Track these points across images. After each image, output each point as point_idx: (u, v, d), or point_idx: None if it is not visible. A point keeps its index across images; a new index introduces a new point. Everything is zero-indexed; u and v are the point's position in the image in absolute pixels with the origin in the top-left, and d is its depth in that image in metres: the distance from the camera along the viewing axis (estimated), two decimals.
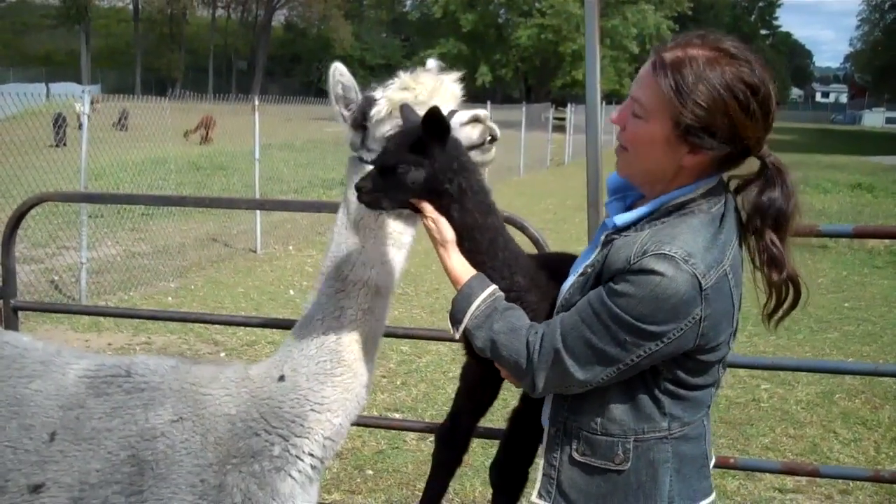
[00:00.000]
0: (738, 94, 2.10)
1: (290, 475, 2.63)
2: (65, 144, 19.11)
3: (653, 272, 2.06)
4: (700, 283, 2.07)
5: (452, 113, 2.58)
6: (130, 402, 2.70)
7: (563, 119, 37.39)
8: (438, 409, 7.05)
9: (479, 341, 2.26)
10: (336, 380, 2.63)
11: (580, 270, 2.30)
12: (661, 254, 2.07)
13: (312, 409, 2.63)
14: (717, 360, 2.25)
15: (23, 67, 68.05)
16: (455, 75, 2.66)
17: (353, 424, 2.71)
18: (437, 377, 8.02)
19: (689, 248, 2.09)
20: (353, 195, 2.60)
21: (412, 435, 6.53)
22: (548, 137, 34.30)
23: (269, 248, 14.78)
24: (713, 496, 2.37)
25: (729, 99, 2.09)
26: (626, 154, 2.26)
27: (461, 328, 2.29)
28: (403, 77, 2.59)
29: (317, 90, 73.95)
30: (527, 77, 63.63)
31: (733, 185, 2.30)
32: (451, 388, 7.67)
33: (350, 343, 2.63)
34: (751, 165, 2.25)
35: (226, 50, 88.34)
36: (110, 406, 2.70)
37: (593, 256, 2.28)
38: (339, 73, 2.57)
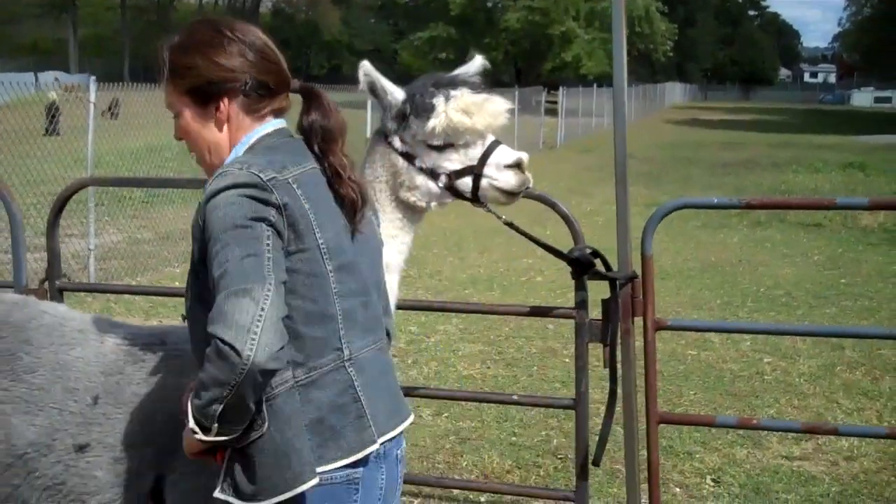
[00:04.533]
0: (201, 35, 2.33)
1: None
2: (58, 133, 19.07)
3: (219, 191, 2.15)
4: (260, 176, 2.16)
5: (497, 144, 2.79)
6: (165, 369, 2.88)
7: (556, 103, 37.47)
8: (450, 384, 7.23)
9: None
10: None
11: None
12: (216, 175, 2.21)
13: None
14: (315, 276, 2.22)
15: (10, 57, 67.67)
16: (506, 104, 2.83)
17: None
18: (447, 355, 8.18)
19: (238, 162, 2.23)
20: (370, 174, 2.81)
21: (427, 410, 6.69)
22: (540, 121, 34.41)
23: None
24: (375, 446, 2.30)
25: (198, 42, 2.32)
26: (193, 152, 2.45)
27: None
28: (467, 97, 2.75)
29: (306, 76, 73.91)
30: (517, 61, 63.61)
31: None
32: (461, 366, 7.89)
33: None
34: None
35: None
36: (147, 372, 2.88)
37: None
38: (364, 72, 2.75)
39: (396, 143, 2.77)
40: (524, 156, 2.81)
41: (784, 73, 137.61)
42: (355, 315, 2.29)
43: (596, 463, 3.47)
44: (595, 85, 43.18)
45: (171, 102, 2.39)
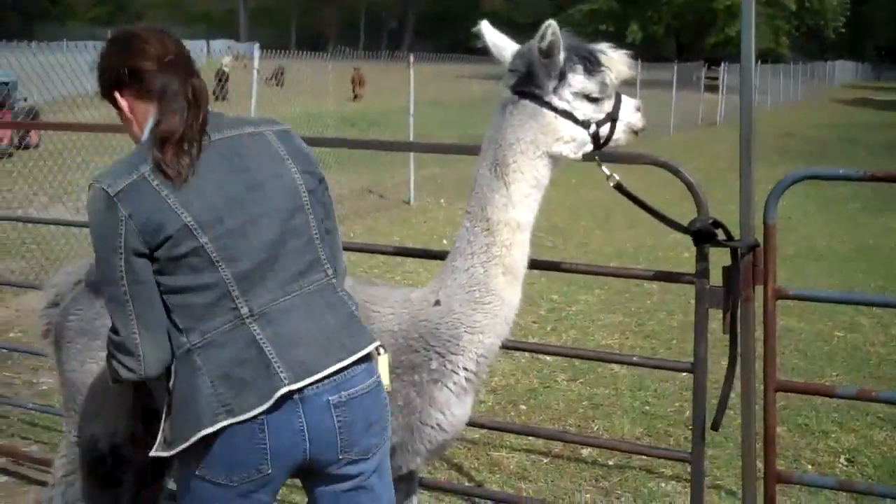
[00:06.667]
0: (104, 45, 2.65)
1: (446, 386, 3.00)
2: (225, 98, 19.73)
3: (87, 202, 2.44)
4: (108, 192, 2.37)
5: (620, 93, 3.04)
6: None
7: (716, 79, 36.57)
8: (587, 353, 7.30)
9: None
10: (486, 307, 2.97)
11: None
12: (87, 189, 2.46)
13: (466, 331, 2.98)
14: (189, 255, 2.39)
15: (184, 25, 70.54)
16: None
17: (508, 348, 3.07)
18: (587, 324, 8.29)
19: (104, 170, 2.46)
20: (511, 137, 2.96)
21: (563, 375, 6.84)
22: (699, 97, 33.72)
23: (422, 200, 15.25)
24: (284, 390, 2.39)
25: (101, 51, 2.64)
26: None
27: None
28: (617, 52, 3.02)
29: (465, 48, 74.09)
30: (679, 35, 62.15)
31: None
32: (600, 335, 7.97)
33: (496, 275, 2.96)
34: None
35: (377, 8, 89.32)
36: None
37: None
38: (552, 31, 2.87)
39: (556, 101, 2.96)
40: (641, 103, 3.14)
41: None
42: (256, 272, 2.44)
43: (715, 427, 3.53)
44: (759, 61, 41.86)
45: (118, 116, 2.70)
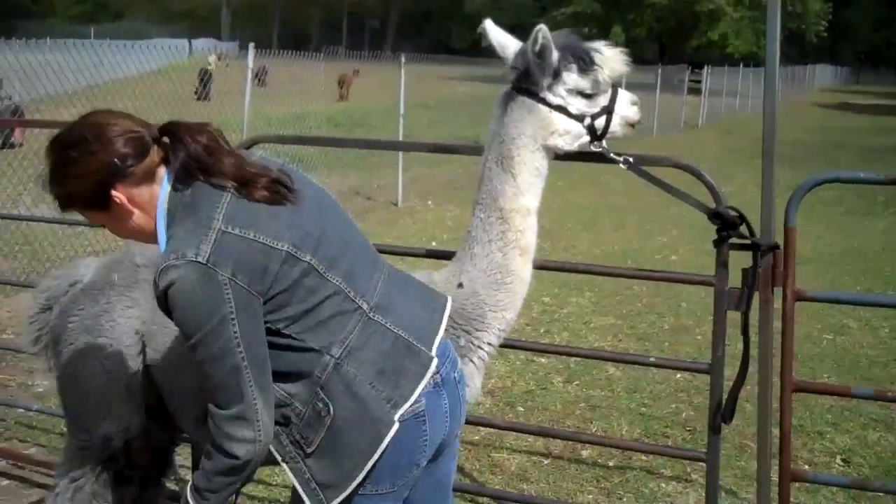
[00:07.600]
0: (55, 162, 2.42)
1: (471, 361, 3.17)
2: (208, 98, 19.51)
3: (167, 287, 2.26)
4: (199, 262, 2.23)
5: (617, 87, 3.21)
6: None
7: (699, 82, 36.74)
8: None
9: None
10: (507, 286, 3.16)
11: None
12: (160, 271, 2.27)
13: (490, 310, 3.15)
14: (301, 278, 2.34)
15: (165, 23, 70.26)
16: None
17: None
18: (579, 327, 8.32)
19: (174, 247, 2.28)
20: (513, 132, 3.12)
21: (559, 377, 6.87)
22: (682, 100, 33.86)
23: (410, 201, 15.25)
24: (435, 361, 2.49)
25: (56, 170, 2.43)
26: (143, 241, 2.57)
27: None
28: (612, 51, 3.17)
29: (447, 48, 74.32)
30: (661, 38, 62.40)
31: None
32: (593, 338, 7.99)
33: (513, 257, 3.15)
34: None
35: (360, 7, 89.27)
36: None
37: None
38: (542, 34, 3.02)
39: (551, 97, 3.12)
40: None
41: None
42: (353, 269, 2.46)
43: (725, 419, 3.55)
44: (741, 65, 42.07)
45: (93, 221, 2.56)
